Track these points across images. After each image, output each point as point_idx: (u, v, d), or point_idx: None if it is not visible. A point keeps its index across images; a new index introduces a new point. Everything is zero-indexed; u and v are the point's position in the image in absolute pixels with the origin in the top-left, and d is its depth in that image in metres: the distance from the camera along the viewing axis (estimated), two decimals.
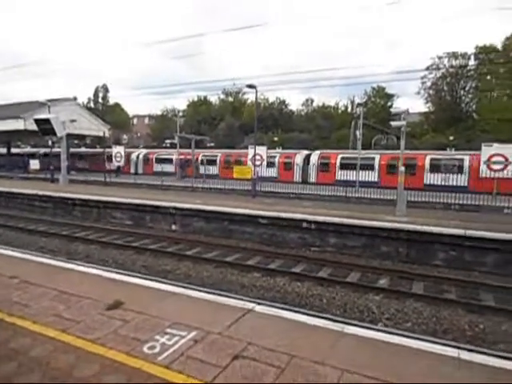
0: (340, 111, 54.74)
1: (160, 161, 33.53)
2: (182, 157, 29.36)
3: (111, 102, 65.66)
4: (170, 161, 32.36)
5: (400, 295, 7.94)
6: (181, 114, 50.05)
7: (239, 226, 13.29)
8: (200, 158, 30.61)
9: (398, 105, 50.20)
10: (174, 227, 14.44)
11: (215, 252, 11.29)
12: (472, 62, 45.14)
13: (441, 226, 10.53)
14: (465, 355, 3.61)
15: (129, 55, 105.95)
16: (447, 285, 8.65)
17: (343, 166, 24.90)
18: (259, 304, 4.75)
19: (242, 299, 5.19)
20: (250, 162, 21.29)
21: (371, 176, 23.09)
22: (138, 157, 35.10)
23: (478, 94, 44.80)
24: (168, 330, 4.04)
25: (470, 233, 9.90)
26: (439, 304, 7.47)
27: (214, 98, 61.28)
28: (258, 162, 21.59)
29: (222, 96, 60.89)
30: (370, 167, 24.06)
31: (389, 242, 10.96)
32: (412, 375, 3.27)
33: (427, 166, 22.93)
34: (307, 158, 27.53)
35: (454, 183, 20.25)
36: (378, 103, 51.01)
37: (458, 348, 3.78)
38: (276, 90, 74.84)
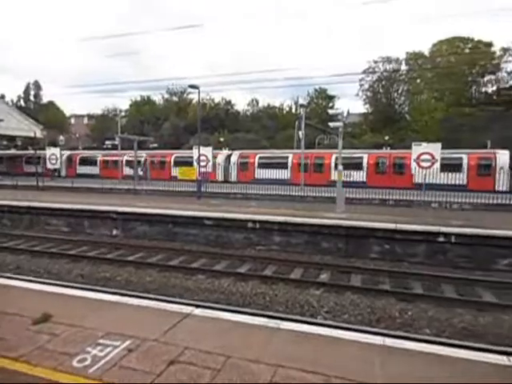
0: (285, 111, 55.98)
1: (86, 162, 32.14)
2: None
3: (45, 100, 61.41)
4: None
5: (339, 288, 8.31)
6: (123, 113, 48.15)
7: (184, 228, 13.09)
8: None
9: (340, 106, 52.73)
10: (115, 232, 13.86)
11: (159, 256, 11.03)
12: (404, 67, 48.58)
13: (375, 221, 11.21)
14: (389, 342, 3.88)
15: (63, 51, 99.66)
16: (382, 276, 9.22)
17: (261, 165, 26.37)
18: (198, 307, 4.73)
19: (181, 303, 5.14)
20: (195, 163, 21.12)
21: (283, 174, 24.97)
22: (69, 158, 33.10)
23: (410, 96, 48.25)
24: (101, 341, 3.88)
25: (400, 226, 10.65)
26: (374, 295, 7.94)
27: (157, 98, 59.81)
28: (203, 163, 21.47)
29: (167, 96, 59.62)
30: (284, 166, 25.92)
31: (329, 238, 11.43)
32: (340, 364, 3.45)
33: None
34: (228, 158, 28.42)
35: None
36: (321, 104, 52.96)
37: (384, 335, 4.05)
38: (222, 91, 74.96)
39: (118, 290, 7.09)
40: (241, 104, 70.67)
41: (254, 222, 12.19)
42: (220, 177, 26.73)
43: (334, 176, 22.93)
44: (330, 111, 16.93)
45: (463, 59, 42.83)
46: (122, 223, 13.90)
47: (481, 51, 43.20)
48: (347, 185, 16.14)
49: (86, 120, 68.26)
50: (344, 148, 16.11)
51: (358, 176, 22.90)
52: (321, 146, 36.97)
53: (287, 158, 26.23)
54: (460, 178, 21.46)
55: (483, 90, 44.99)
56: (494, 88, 43.89)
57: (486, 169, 21.79)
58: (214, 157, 27.73)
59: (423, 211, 14.16)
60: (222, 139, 40.33)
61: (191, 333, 4.08)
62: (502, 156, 21.71)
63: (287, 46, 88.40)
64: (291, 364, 3.44)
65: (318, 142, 38.56)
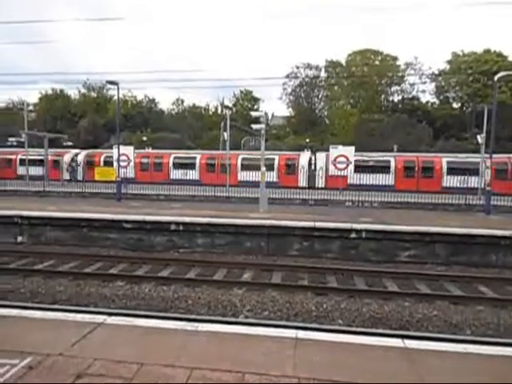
0: (211, 112, 55.76)
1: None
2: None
3: None
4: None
5: (261, 287, 8.54)
6: (31, 107, 43.61)
7: (101, 232, 12.33)
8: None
9: (265, 108, 54.05)
10: (20, 239, 12.52)
11: (72, 263, 10.24)
12: (323, 74, 51.64)
13: (296, 220, 11.74)
14: (301, 334, 4.10)
15: None
16: (301, 272, 9.68)
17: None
18: (111, 315, 4.49)
19: (93, 312, 4.83)
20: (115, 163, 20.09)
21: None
22: None
23: (328, 102, 51.46)
24: None
25: (318, 224, 11.30)
26: (293, 291, 8.30)
27: (73, 93, 55.30)
28: (123, 163, 20.49)
29: (83, 90, 55.47)
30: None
31: (252, 237, 11.68)
32: (255, 360, 3.56)
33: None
34: (75, 157, 28.96)
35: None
36: (246, 106, 53.79)
37: (296, 328, 4.27)
38: (145, 88, 71.93)
39: (21, 303, 6.45)
40: (165, 103, 68.52)
41: (178, 223, 11.96)
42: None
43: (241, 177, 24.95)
44: (254, 113, 17.24)
45: (374, 70, 46.93)
46: (29, 229, 12.61)
47: (389, 64, 47.77)
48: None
49: None
50: (267, 149, 16.60)
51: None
52: (246, 147, 37.53)
53: (195, 158, 27.37)
54: None
55: (391, 98, 49.76)
56: (400, 97, 48.81)
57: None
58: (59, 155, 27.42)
59: (339, 209, 15.20)
60: (144, 138, 38.76)
61: (102, 343, 3.87)
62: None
63: (213, 46, 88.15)
64: (207, 365, 3.44)
65: (243, 144, 39.09)
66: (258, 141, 40.02)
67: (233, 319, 6.08)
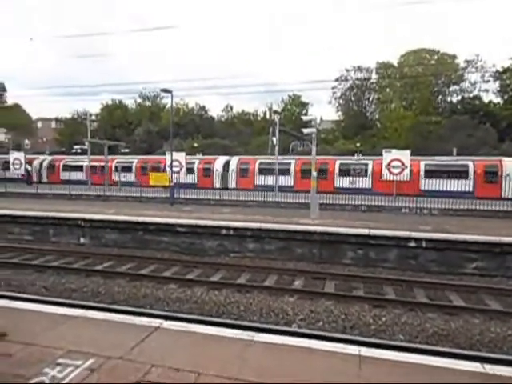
0: (259, 118, 56.19)
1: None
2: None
3: (9, 102, 58.76)
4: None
5: (313, 295, 8.25)
6: (93, 117, 46.70)
7: (155, 235, 12.72)
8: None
9: (313, 112, 53.46)
10: (82, 240, 13.29)
11: (129, 265, 10.63)
12: (374, 76, 50.00)
13: (349, 227, 11.28)
14: (364, 351, 3.81)
15: (28, 52, 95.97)
16: (356, 282, 9.25)
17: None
18: (167, 319, 4.50)
19: (150, 315, 4.89)
20: (168, 169, 20.76)
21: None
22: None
23: (380, 104, 49.65)
24: (60, 361, 3.59)
25: (373, 232, 10.76)
26: (349, 301, 7.92)
27: (130, 102, 58.56)
28: (176, 169, 21.12)
29: (139, 100, 58.52)
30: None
31: (303, 243, 11.40)
32: (314, 378, 3.34)
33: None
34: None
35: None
36: (294, 110, 53.52)
37: (359, 344, 3.98)
38: (196, 96, 74.41)
39: (83, 302, 6.74)
40: (215, 110, 70.25)
41: (228, 228, 12.01)
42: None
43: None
44: (304, 117, 16.96)
45: (429, 70, 44.56)
46: (90, 231, 13.35)
47: (446, 63, 45.13)
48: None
49: (53, 124, 65.75)
50: (317, 154, 16.20)
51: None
52: (295, 152, 37.24)
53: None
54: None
55: (449, 99, 46.92)
56: (459, 98, 45.84)
57: None
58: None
59: (394, 216, 14.43)
60: (196, 145, 39.89)
61: (159, 348, 3.86)
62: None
63: (261, 51, 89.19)
64: (268, 379, 3.29)
65: (291, 148, 38.84)
66: (307, 145, 39.74)
67: (287, 328, 5.86)
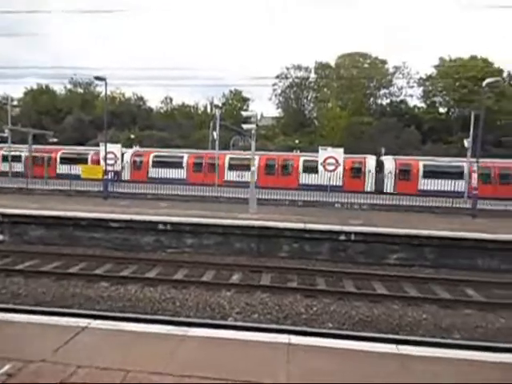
0: (200, 111, 55.39)
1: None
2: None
3: None
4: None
5: (250, 288, 8.42)
6: (15, 102, 42.58)
7: (87, 231, 12.04)
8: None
9: (254, 108, 53.92)
10: (1, 237, 12.14)
11: (56, 263, 9.95)
12: (313, 75, 51.80)
13: (285, 221, 11.66)
14: (294, 340, 4.00)
15: None
16: (291, 274, 9.60)
17: None
18: (96, 319, 4.32)
19: (77, 315, 4.65)
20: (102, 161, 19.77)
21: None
22: None
23: (318, 103, 51.65)
24: None
25: (308, 226, 11.24)
26: (283, 293, 8.20)
27: (58, 88, 54.26)
28: (111, 161, 20.14)
29: (70, 86, 54.48)
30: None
31: (242, 238, 11.55)
32: (246, 368, 3.43)
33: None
34: None
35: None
36: (236, 105, 53.59)
37: (289, 333, 4.17)
38: (134, 86, 70.92)
39: (2, 305, 6.20)
40: (154, 101, 67.52)
41: (165, 223, 11.76)
42: None
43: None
44: (244, 113, 17.10)
45: (363, 73, 47.30)
46: (11, 227, 12.24)
47: (377, 67, 48.21)
48: None
49: None
50: (256, 150, 16.48)
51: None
52: (235, 147, 37.37)
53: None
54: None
55: (379, 102, 50.23)
56: (388, 101, 49.33)
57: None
58: None
59: (328, 211, 15.19)
60: (132, 136, 38.26)
61: (86, 349, 3.70)
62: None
63: (205, 45, 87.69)
64: (196, 373, 3.31)
65: (232, 144, 38.91)
66: (247, 141, 40.11)
67: (223, 322, 5.93)
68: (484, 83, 16.36)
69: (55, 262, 10.06)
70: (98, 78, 17.33)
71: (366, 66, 48.62)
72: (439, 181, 21.19)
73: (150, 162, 25.91)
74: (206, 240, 11.64)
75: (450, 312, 7.46)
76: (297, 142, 41.05)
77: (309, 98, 52.65)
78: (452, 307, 7.68)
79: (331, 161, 19.72)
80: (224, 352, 3.76)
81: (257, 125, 16.36)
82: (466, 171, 21.87)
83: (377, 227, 11.33)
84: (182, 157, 26.11)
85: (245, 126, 15.26)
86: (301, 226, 11.29)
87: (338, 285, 8.98)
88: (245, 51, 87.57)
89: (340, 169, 19.76)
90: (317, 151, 23.49)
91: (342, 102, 48.69)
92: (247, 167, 24.32)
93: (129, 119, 46.48)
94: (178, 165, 25.45)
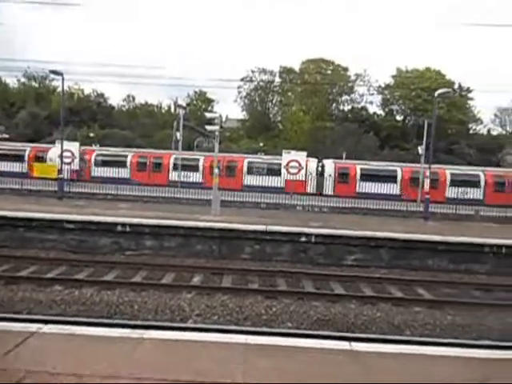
0: (163, 111, 54.41)
1: None
2: None
3: None
4: None
5: (210, 290, 8.39)
6: None
7: (40, 233, 11.47)
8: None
9: (219, 110, 53.67)
10: None
11: (4, 266, 9.39)
12: (277, 79, 52.54)
13: (247, 223, 11.74)
14: (250, 339, 4.05)
15: None
16: (252, 275, 9.67)
17: None
18: (47, 323, 4.14)
19: (26, 320, 4.43)
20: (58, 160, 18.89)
21: None
22: None
23: (282, 107, 52.43)
24: None
25: (269, 228, 11.39)
26: (243, 294, 8.25)
27: (11, 81, 51.22)
28: (68, 160, 19.34)
29: (23, 79, 51.60)
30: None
31: (203, 240, 11.49)
32: (203, 369, 3.44)
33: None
34: None
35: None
36: (200, 106, 53.19)
37: (246, 333, 4.22)
38: (94, 82, 68.22)
39: None
40: (115, 99, 65.27)
41: (124, 225, 11.45)
42: None
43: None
44: (208, 114, 17.00)
45: (326, 79, 48.62)
46: None
47: (340, 74, 49.75)
48: None
49: None
50: (220, 152, 16.48)
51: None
52: (199, 148, 37.09)
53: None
54: None
55: (341, 107, 51.84)
56: (350, 107, 51.03)
57: None
58: None
59: (290, 213, 15.46)
60: (92, 134, 36.86)
61: (36, 354, 3.54)
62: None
63: (169, 44, 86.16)
64: (152, 375, 3.27)
65: (196, 145, 38.59)
66: (212, 142, 39.91)
67: (181, 325, 5.89)
68: (436, 93, 17.37)
69: (4, 264, 9.49)
70: (54, 72, 16.54)
71: (329, 72, 50.00)
72: (375, 184, 22.20)
73: (93, 161, 25.13)
74: (166, 242, 11.46)
75: (402, 310, 7.85)
76: (261, 144, 41.40)
77: (273, 101, 53.34)
78: (404, 305, 8.08)
79: (294, 164, 20.13)
80: (181, 353, 3.74)
81: (221, 127, 16.35)
82: (399, 176, 23.64)
83: (336, 229, 11.69)
84: (125, 156, 25.32)
85: (208, 128, 15.19)
86: (262, 228, 11.41)
87: (298, 285, 9.18)
88: (210, 53, 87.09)
89: (303, 172, 20.23)
90: (280, 154, 23.96)
91: (306, 107, 49.76)
92: (192, 168, 24.55)
93: (88, 117, 44.72)
94: (121, 164, 24.69)
